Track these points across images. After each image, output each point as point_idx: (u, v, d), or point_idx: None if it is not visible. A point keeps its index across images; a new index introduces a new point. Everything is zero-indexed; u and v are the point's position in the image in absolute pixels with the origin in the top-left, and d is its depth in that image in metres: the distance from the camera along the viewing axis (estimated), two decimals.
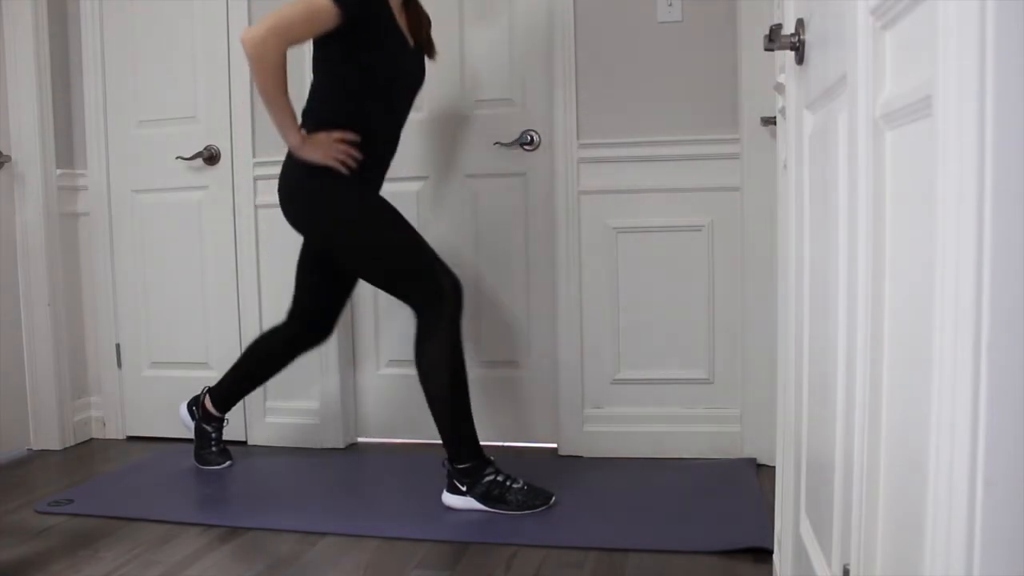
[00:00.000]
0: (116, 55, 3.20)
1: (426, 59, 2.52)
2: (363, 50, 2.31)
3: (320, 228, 2.43)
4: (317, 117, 2.38)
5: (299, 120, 2.37)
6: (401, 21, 2.40)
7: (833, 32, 1.11)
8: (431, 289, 2.33)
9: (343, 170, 2.33)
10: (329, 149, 2.32)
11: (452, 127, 2.98)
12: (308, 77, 2.45)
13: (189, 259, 3.18)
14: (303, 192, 2.39)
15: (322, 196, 2.37)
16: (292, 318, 2.66)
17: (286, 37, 2.21)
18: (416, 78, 2.50)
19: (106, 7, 3.19)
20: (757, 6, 2.54)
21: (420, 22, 2.49)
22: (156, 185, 3.20)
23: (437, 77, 2.98)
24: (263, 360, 2.71)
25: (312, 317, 2.64)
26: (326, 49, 2.34)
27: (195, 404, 2.85)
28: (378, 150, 2.43)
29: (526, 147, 2.94)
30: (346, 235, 2.40)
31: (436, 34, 2.55)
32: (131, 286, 3.24)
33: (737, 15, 2.70)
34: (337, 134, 2.34)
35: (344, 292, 2.65)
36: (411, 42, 2.44)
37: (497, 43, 2.96)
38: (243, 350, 2.77)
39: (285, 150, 2.40)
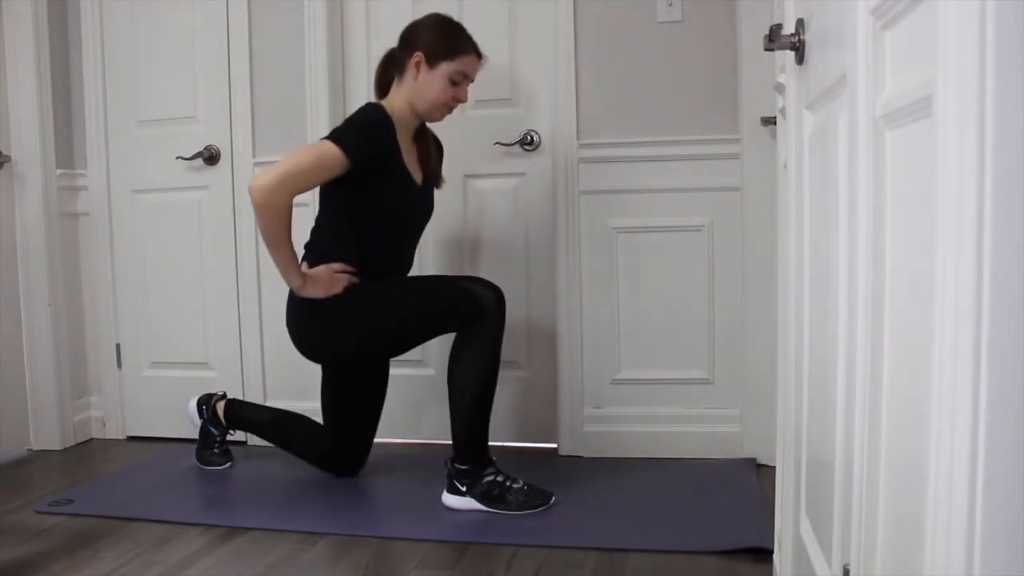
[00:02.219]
0: (116, 55, 3.20)
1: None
2: (369, 191, 2.36)
3: (341, 338, 2.42)
4: (319, 253, 2.43)
5: (303, 252, 2.44)
6: (410, 157, 2.44)
7: (833, 32, 1.11)
8: (469, 309, 2.31)
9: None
10: (329, 283, 2.35)
11: (452, 127, 2.98)
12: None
13: (189, 259, 3.18)
14: (312, 318, 2.40)
15: (331, 310, 2.37)
16: (327, 440, 2.65)
17: (294, 186, 2.23)
18: (423, 212, 2.54)
19: (106, 7, 3.19)
20: (757, 6, 2.54)
21: (430, 154, 2.53)
22: (156, 185, 3.20)
23: None
24: (299, 438, 2.70)
25: (345, 452, 2.63)
26: (333, 186, 2.36)
27: (206, 404, 2.84)
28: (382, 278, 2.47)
29: (526, 147, 2.94)
30: (369, 326, 2.39)
31: None
32: (131, 286, 3.24)
33: (737, 15, 2.70)
34: (336, 266, 2.37)
35: (375, 419, 2.65)
36: (419, 178, 2.48)
37: (497, 43, 2.95)
38: (293, 413, 2.74)
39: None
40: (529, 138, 2.93)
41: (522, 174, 2.97)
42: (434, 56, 2.38)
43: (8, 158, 3.05)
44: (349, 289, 2.38)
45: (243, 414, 2.80)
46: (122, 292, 3.25)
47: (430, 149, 2.54)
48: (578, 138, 2.84)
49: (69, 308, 3.19)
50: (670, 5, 2.77)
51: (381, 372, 2.65)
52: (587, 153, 2.83)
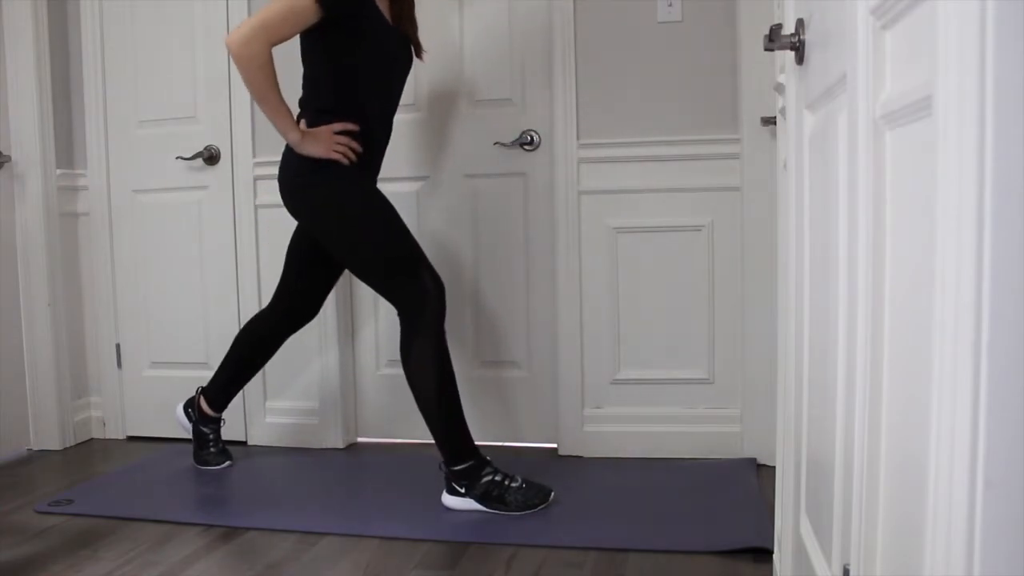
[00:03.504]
0: (116, 55, 3.20)
1: (415, 50, 2.53)
2: (348, 40, 2.33)
3: (318, 220, 2.43)
4: (315, 106, 2.40)
5: (296, 111, 2.39)
6: (383, 6, 2.41)
7: (833, 32, 1.11)
8: (416, 289, 2.34)
9: (344, 162, 2.34)
10: (330, 143, 2.34)
11: (452, 127, 2.98)
12: (296, 70, 2.44)
13: (189, 259, 3.18)
14: (304, 185, 2.39)
15: (323, 190, 2.37)
16: (278, 299, 2.67)
17: (270, 36, 2.23)
18: (404, 62, 2.51)
19: (106, 7, 3.19)
20: (757, 6, 2.54)
21: (404, 8, 2.49)
22: (156, 185, 3.20)
23: (437, 77, 2.99)
24: (253, 347, 2.72)
25: (300, 297, 2.65)
26: (312, 41, 2.35)
27: (190, 406, 2.85)
28: (375, 136, 2.45)
29: (526, 147, 2.94)
30: (342, 229, 2.40)
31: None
32: (131, 286, 3.24)
33: (737, 15, 2.70)
34: (337, 126, 2.35)
35: (334, 275, 2.66)
36: (392, 24, 2.44)
37: (497, 43, 2.95)
38: (231, 345, 2.76)
39: (284, 145, 2.40)
40: (529, 138, 2.93)
41: (522, 174, 2.96)
42: None
43: (8, 158, 3.05)
44: (347, 178, 2.35)
45: (215, 385, 2.79)
46: (122, 292, 3.25)
47: (404, 4, 2.48)
48: (578, 138, 2.83)
49: (69, 308, 3.19)
50: (670, 5, 2.77)
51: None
52: (587, 153, 2.83)
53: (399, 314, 2.38)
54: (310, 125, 2.37)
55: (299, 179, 2.39)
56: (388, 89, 2.47)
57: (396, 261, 2.38)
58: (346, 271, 2.71)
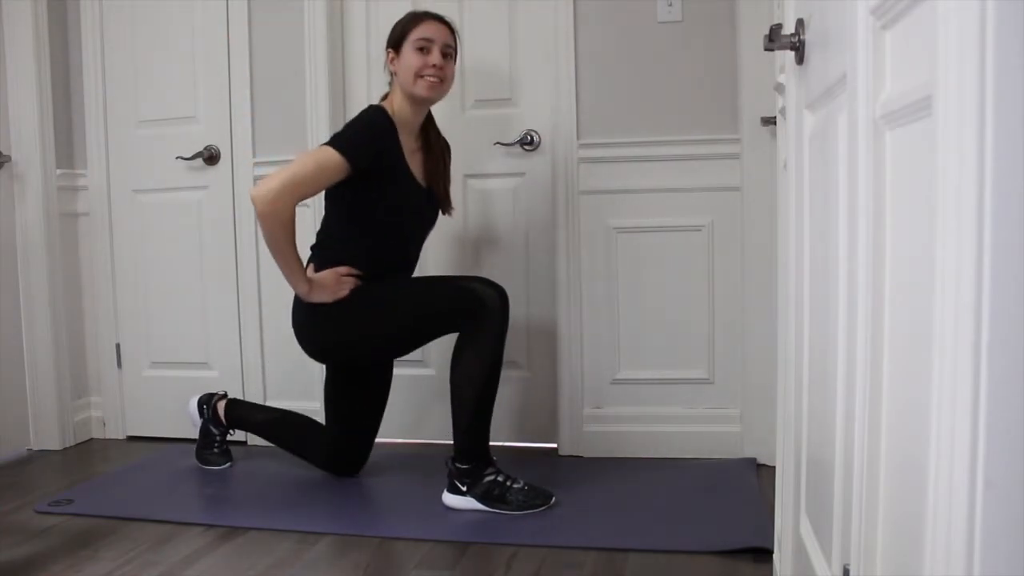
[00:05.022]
0: (116, 55, 3.20)
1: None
2: (372, 193, 2.37)
3: (347, 338, 2.43)
4: (325, 257, 2.44)
5: (309, 253, 2.46)
6: (413, 160, 2.45)
7: (833, 32, 1.11)
8: (473, 308, 2.32)
9: None
10: (336, 288, 2.37)
11: (452, 127, 2.98)
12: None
13: (189, 259, 3.18)
14: (318, 318, 2.40)
15: (337, 310, 2.38)
16: (328, 429, 2.66)
17: (297, 193, 2.25)
18: (426, 220, 2.55)
19: (106, 7, 3.19)
20: (757, 6, 2.54)
21: (438, 166, 2.53)
22: (156, 185, 3.20)
23: None
24: (297, 437, 2.71)
25: (345, 452, 2.64)
26: (338, 189, 2.37)
27: (206, 403, 2.84)
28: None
29: (526, 147, 2.94)
30: (376, 326, 2.41)
31: None
32: (131, 286, 3.24)
33: (737, 15, 2.70)
34: (342, 270, 2.39)
35: (377, 420, 2.65)
36: (423, 184, 2.48)
37: (497, 43, 2.96)
38: (292, 412, 2.75)
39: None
40: (529, 138, 2.93)
41: (522, 174, 2.97)
42: (396, 42, 2.45)
43: (8, 158, 3.05)
44: (355, 291, 2.39)
45: (244, 414, 2.80)
46: (122, 292, 3.25)
47: (438, 163, 2.54)
48: (578, 138, 2.84)
49: (69, 308, 3.19)
50: (670, 5, 2.77)
51: (385, 371, 2.65)
52: (587, 153, 2.83)
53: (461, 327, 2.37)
54: (317, 270, 2.41)
55: (312, 316, 2.41)
56: (402, 244, 2.50)
57: (439, 308, 2.38)
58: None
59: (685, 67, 2.78)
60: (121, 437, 3.27)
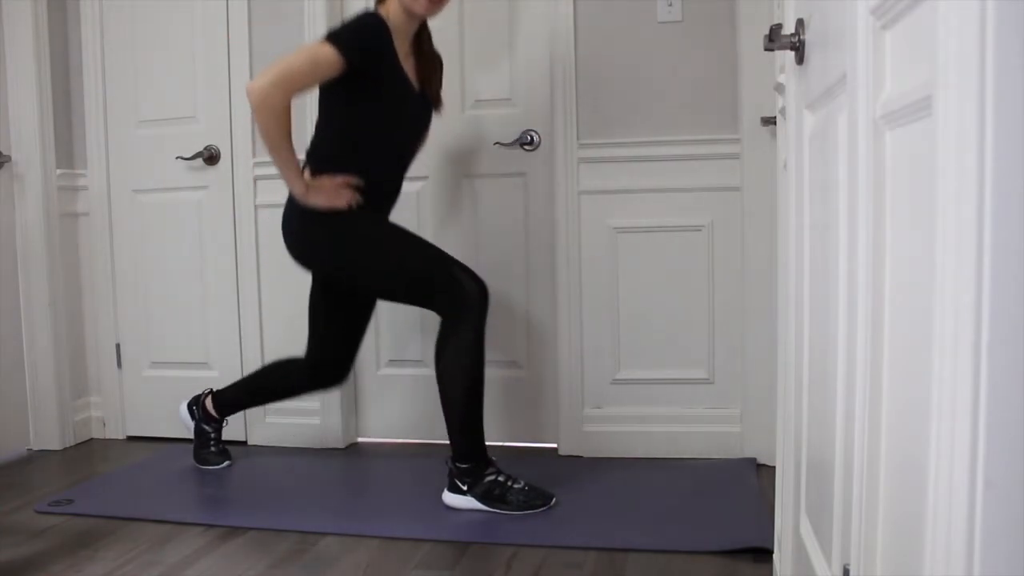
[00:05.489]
0: (116, 55, 3.20)
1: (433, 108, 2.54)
2: (366, 94, 2.33)
3: (332, 260, 2.43)
4: (320, 157, 2.40)
5: (302, 158, 2.40)
6: (407, 64, 2.42)
7: (833, 32, 1.11)
8: (454, 295, 2.32)
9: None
10: (333, 194, 2.34)
11: (452, 127, 2.98)
12: (310, 117, 2.44)
13: (189, 259, 3.18)
14: (310, 231, 2.39)
15: (330, 230, 2.37)
16: (310, 352, 2.64)
17: (290, 86, 2.22)
18: (421, 124, 2.52)
19: (106, 7, 3.19)
20: (757, 6, 2.54)
21: (430, 70, 2.50)
22: (156, 185, 3.20)
23: None
24: (277, 380, 2.71)
25: (331, 347, 2.61)
26: (330, 92, 2.35)
27: (195, 404, 2.85)
28: (381, 192, 2.45)
29: (526, 147, 2.94)
30: (359, 260, 2.40)
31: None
32: (131, 286, 3.24)
33: (737, 15, 2.70)
34: (341, 179, 2.35)
35: (359, 333, 2.63)
36: (417, 87, 2.45)
37: (497, 43, 2.96)
38: (262, 365, 2.75)
39: (285, 199, 2.39)
40: (529, 138, 2.93)
41: (522, 174, 2.96)
42: None
43: (8, 158, 3.05)
44: (353, 213, 2.36)
45: (229, 396, 2.79)
46: (122, 292, 3.25)
47: (430, 67, 2.50)
48: (578, 138, 2.83)
49: (69, 308, 3.19)
50: (670, 5, 2.77)
51: (368, 298, 2.63)
52: (587, 153, 2.83)
53: (441, 319, 2.37)
54: (313, 175, 2.38)
55: (304, 228, 2.39)
56: (398, 149, 2.48)
57: (422, 277, 2.37)
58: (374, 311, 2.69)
59: (685, 67, 2.78)
60: (121, 437, 3.27)
